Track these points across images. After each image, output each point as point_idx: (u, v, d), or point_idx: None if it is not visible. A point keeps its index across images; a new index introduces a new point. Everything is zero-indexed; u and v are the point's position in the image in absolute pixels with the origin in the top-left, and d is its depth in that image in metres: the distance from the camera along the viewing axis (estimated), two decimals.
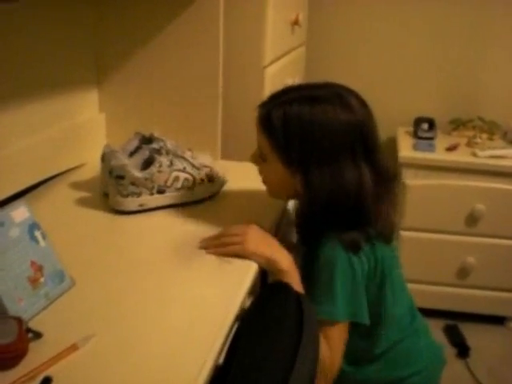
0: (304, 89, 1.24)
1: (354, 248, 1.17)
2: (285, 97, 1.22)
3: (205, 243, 1.22)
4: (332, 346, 1.17)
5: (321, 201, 1.15)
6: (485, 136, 2.55)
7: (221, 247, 1.19)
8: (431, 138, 2.54)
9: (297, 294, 1.03)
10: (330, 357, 1.17)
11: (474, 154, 2.40)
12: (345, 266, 1.16)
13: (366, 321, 1.20)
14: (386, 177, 1.22)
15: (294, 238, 1.48)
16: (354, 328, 1.21)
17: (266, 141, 1.21)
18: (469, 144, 2.50)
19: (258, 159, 1.28)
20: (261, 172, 1.31)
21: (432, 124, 2.58)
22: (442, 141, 2.53)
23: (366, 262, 1.19)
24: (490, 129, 2.58)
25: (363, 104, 1.21)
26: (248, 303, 1.10)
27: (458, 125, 2.64)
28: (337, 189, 1.14)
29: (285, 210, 1.48)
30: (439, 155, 2.42)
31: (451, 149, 2.45)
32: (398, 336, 1.29)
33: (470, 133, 2.57)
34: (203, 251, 1.20)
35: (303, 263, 1.28)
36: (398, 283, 1.30)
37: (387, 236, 1.23)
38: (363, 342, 1.27)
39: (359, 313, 1.19)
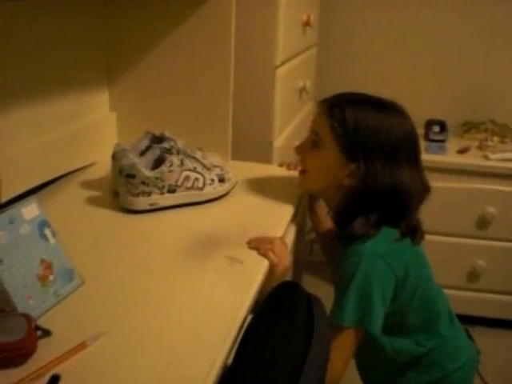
0: (364, 95, 1.32)
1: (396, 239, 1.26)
2: (352, 97, 1.32)
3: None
4: (334, 351, 1.16)
5: (377, 190, 1.24)
6: (496, 139, 2.54)
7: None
8: (442, 141, 2.54)
9: (307, 294, 1.03)
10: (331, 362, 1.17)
11: (486, 157, 2.39)
12: (364, 273, 1.20)
13: (374, 330, 1.21)
14: (426, 186, 1.31)
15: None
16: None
17: (328, 128, 1.27)
18: (480, 147, 2.49)
19: (308, 147, 1.33)
20: (304, 161, 1.36)
21: (443, 126, 2.58)
22: (453, 143, 2.53)
23: (394, 273, 1.23)
24: (502, 131, 2.57)
25: None
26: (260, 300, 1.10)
27: (469, 127, 2.63)
28: (392, 185, 1.23)
29: (296, 213, 1.47)
30: (450, 158, 2.41)
31: (462, 151, 2.45)
32: (446, 332, 1.36)
33: (482, 135, 2.57)
34: (213, 251, 1.20)
35: (337, 263, 1.33)
36: (431, 281, 1.37)
37: (415, 236, 1.31)
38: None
39: (367, 321, 1.20)
